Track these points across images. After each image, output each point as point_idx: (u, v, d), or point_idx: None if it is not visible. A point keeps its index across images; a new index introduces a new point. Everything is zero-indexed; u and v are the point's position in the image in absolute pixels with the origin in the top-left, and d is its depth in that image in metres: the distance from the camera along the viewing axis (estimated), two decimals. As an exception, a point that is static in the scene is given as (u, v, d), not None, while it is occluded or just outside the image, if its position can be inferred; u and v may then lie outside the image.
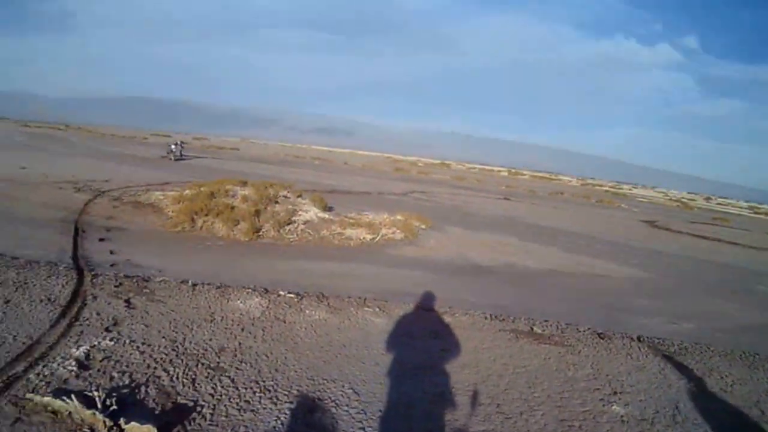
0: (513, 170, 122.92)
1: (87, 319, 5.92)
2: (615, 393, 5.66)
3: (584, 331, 7.82)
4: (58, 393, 4.16)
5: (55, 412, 3.99)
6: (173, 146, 35.45)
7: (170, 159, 33.79)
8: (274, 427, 4.24)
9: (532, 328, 7.61)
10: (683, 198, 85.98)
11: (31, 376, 4.45)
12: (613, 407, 5.30)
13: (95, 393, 4.15)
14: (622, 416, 5.13)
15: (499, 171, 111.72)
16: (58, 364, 4.70)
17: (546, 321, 8.07)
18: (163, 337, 5.67)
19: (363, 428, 4.43)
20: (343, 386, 5.09)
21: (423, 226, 15.52)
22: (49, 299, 6.39)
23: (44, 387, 4.29)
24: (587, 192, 64.05)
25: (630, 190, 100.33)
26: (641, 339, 7.79)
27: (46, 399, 4.06)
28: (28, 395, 4.12)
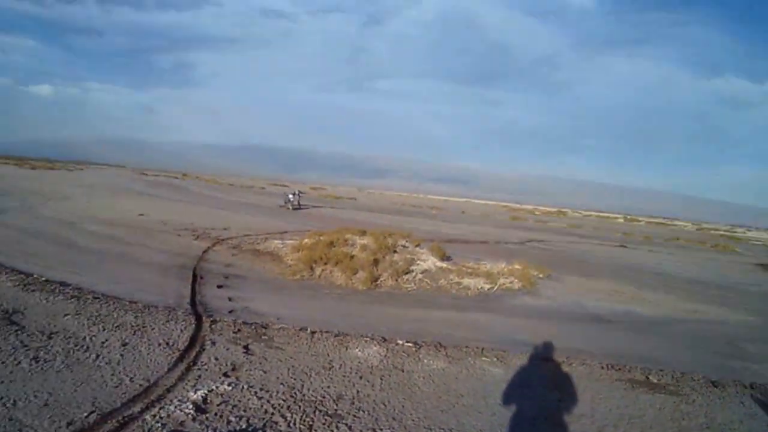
0: (629, 216, 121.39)
1: (205, 363, 6.04)
2: (727, 442, 5.48)
3: (698, 379, 7.61)
4: (174, 436, 4.20)
5: (170, 454, 4.01)
6: (291, 195, 36.48)
7: (288, 208, 34.83)
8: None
9: (647, 377, 7.49)
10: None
11: (147, 417, 4.52)
12: (726, 457, 5.11)
13: (212, 437, 4.16)
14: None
15: (615, 217, 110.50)
16: (175, 407, 4.76)
17: (661, 370, 7.87)
18: (282, 384, 5.67)
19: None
20: (459, 436, 4.93)
21: (540, 275, 15.22)
22: (167, 343, 6.57)
23: (160, 428, 4.34)
24: (702, 237, 60.92)
25: (744, 233, 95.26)
26: (754, 386, 7.54)
27: (162, 441, 4.10)
28: (144, 436, 4.18)
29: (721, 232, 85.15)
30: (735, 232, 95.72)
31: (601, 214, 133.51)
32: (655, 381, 7.32)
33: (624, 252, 29.24)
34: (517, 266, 15.21)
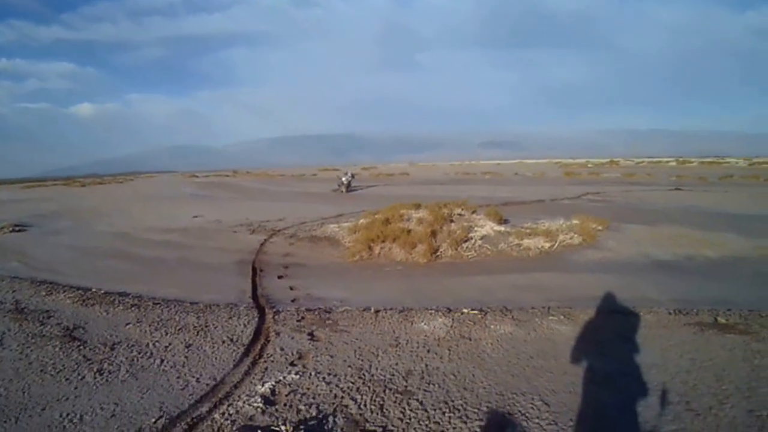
0: (680, 159, 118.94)
1: (271, 355, 6.08)
2: (803, 376, 5.49)
3: (767, 315, 7.51)
4: (244, 430, 4.20)
5: (241, 450, 4.02)
6: (343, 178, 36.57)
7: (341, 191, 34.96)
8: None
9: (716, 319, 7.46)
10: None
11: (216, 415, 4.55)
12: (803, 390, 5.10)
13: (282, 427, 4.17)
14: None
15: (667, 162, 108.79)
16: (244, 402, 4.79)
17: (729, 310, 7.81)
18: (349, 366, 5.67)
19: (554, 439, 4.27)
20: (532, 399, 4.94)
21: (600, 228, 14.94)
22: (231, 340, 6.64)
23: (229, 426, 4.36)
24: (756, 172, 58.88)
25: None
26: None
27: (232, 437, 4.11)
28: (214, 435, 4.19)
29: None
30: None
31: (653, 159, 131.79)
32: (724, 322, 7.25)
33: (680, 195, 28.68)
34: (575, 221, 15.07)
